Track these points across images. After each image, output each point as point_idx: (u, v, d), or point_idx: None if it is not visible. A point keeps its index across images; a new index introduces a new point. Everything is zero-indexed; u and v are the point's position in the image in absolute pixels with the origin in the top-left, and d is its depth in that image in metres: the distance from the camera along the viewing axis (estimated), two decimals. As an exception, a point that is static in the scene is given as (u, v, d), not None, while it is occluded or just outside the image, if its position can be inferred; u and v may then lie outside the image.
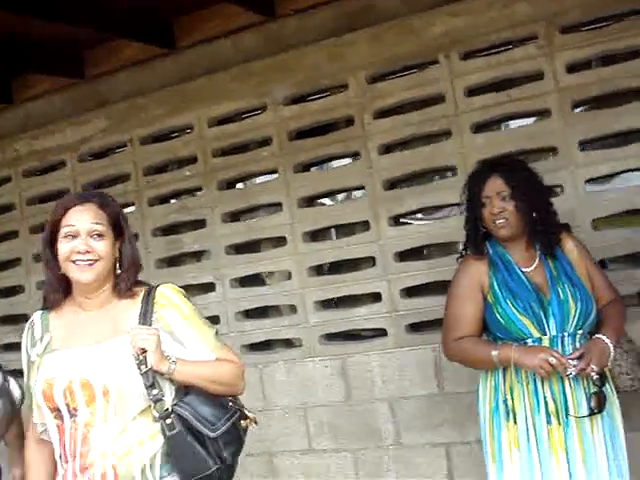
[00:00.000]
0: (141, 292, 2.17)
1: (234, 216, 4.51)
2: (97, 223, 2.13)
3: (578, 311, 2.64)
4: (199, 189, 4.57)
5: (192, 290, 4.50)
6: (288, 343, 4.41)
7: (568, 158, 3.69)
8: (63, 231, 2.12)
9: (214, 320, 4.27)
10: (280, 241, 4.36)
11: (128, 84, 4.68)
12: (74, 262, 2.11)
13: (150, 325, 2.09)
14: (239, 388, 2.20)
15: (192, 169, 4.53)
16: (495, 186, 2.71)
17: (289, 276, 4.33)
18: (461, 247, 2.99)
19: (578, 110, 3.77)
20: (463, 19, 3.88)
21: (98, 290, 2.15)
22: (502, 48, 3.87)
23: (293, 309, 4.33)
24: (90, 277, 2.11)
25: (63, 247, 2.12)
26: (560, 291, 2.66)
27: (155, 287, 2.18)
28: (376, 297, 4.13)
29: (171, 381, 2.09)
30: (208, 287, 4.54)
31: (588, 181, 3.70)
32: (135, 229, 4.50)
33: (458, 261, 2.90)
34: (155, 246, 4.64)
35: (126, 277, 2.17)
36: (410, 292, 4.07)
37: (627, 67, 3.60)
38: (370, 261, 4.15)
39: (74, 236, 2.11)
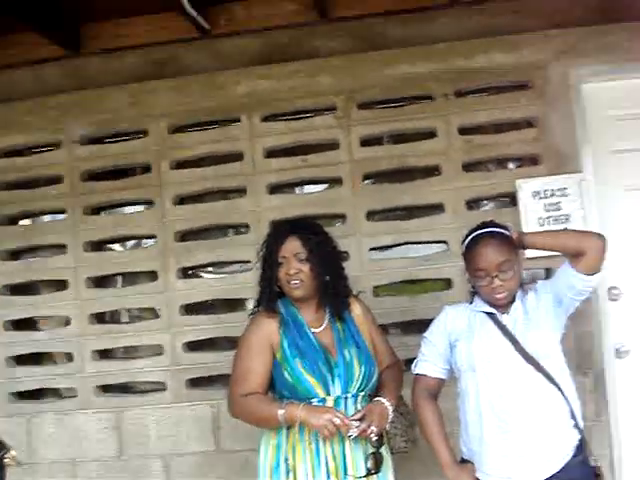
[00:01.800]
0: None
1: (14, 254, 4.20)
2: None
3: (362, 373, 2.68)
4: (-24, 222, 4.22)
5: (-42, 330, 4.11)
6: (60, 393, 4.13)
7: (355, 226, 3.83)
8: None
9: (-21, 364, 3.93)
10: (61, 285, 4.11)
11: None
12: None
13: None
14: None
15: (-29, 200, 4.18)
16: (293, 247, 2.72)
17: (67, 322, 4.08)
18: (253, 304, 2.96)
19: (367, 182, 3.94)
20: (268, 82, 3.95)
21: None
22: (303, 115, 3.98)
23: (69, 357, 4.07)
24: None
25: None
26: (346, 353, 2.70)
27: None
28: (158, 349, 3.99)
29: None
30: (-23, 328, 4.17)
31: (372, 249, 3.85)
32: None
33: (249, 317, 2.86)
34: None
35: None
36: (193, 346, 3.98)
37: (414, 147, 3.83)
38: (154, 312, 4.02)
39: None
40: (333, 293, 2.79)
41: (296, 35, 3.99)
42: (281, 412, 2.55)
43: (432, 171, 3.84)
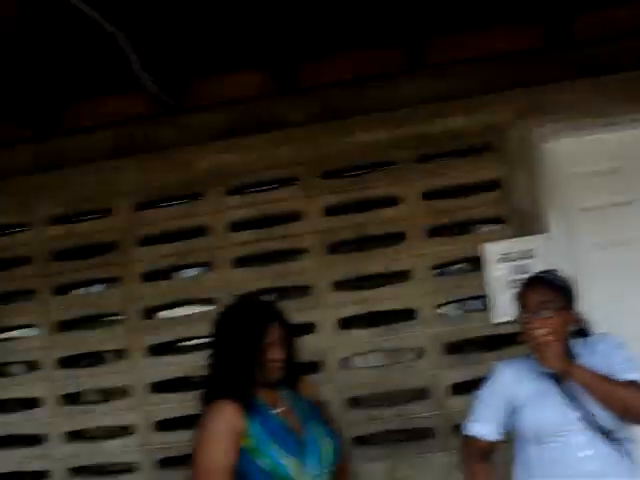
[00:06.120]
0: None
1: (-18, 337, 4.06)
2: None
3: (332, 448, 2.48)
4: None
5: None
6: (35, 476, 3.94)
7: (321, 298, 3.66)
8: None
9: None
10: (33, 365, 3.96)
11: None
12: None
13: None
14: None
15: (-61, 284, 4.06)
16: (280, 333, 2.51)
17: (37, 403, 3.92)
18: (206, 387, 2.71)
19: (333, 251, 3.77)
20: (231, 156, 3.84)
21: None
22: (266, 187, 3.86)
23: (39, 439, 3.89)
24: None
25: None
26: (314, 430, 2.49)
27: None
28: (128, 429, 3.81)
29: None
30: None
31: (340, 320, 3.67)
32: None
33: (205, 404, 2.59)
34: None
35: None
36: (164, 425, 3.79)
37: (377, 214, 3.68)
38: (124, 391, 3.85)
39: None
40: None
41: (258, 107, 3.88)
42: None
43: (397, 238, 3.68)
